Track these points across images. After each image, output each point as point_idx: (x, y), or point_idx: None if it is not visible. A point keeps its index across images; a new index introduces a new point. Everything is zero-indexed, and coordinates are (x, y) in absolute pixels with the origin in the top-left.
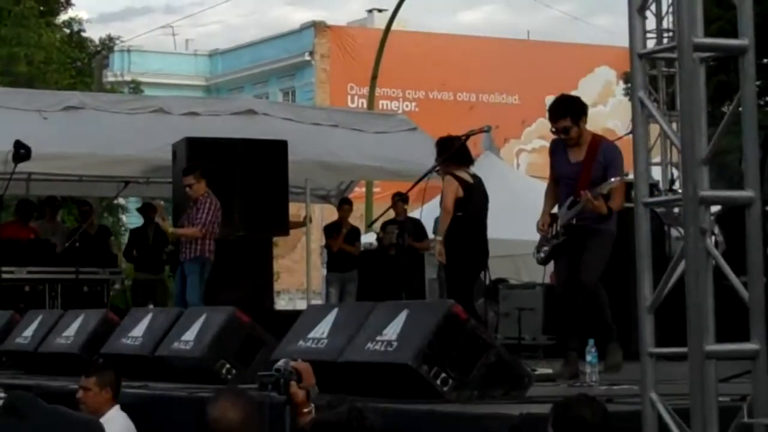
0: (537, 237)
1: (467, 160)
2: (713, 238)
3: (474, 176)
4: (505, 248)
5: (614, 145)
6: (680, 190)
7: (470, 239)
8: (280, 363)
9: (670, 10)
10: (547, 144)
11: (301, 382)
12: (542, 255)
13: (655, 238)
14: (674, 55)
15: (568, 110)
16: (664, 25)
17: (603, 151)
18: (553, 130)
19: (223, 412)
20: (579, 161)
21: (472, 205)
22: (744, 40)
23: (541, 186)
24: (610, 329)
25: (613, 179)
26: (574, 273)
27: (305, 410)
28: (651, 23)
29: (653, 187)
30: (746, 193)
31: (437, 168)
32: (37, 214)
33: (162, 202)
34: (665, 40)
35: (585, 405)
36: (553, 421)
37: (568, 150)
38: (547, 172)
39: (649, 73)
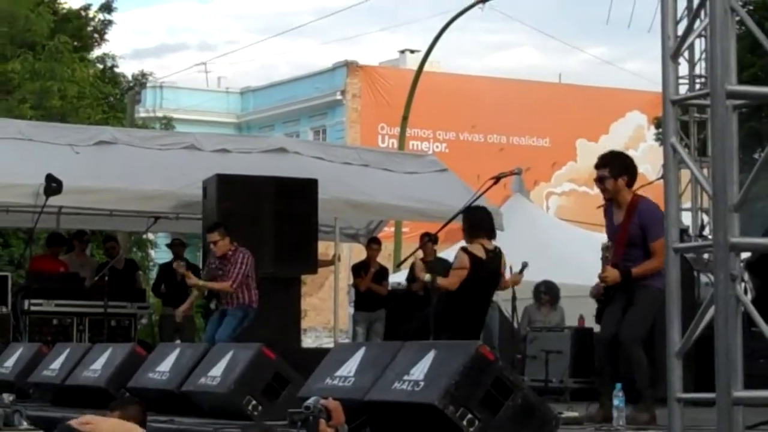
0: (566, 280)
1: (488, 231)
2: (743, 285)
3: (489, 251)
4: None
5: (652, 205)
6: (710, 236)
7: (463, 320)
8: (310, 401)
9: (703, 56)
10: (577, 188)
11: (331, 420)
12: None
13: (684, 284)
14: (707, 102)
15: (610, 162)
16: (697, 70)
17: (639, 212)
18: (596, 179)
19: None
20: (620, 223)
21: (476, 284)
22: None
23: (570, 229)
24: (639, 394)
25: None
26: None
27: None
28: (683, 69)
29: (683, 233)
30: None
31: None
32: (66, 247)
33: (183, 264)
34: (698, 86)
35: None
36: None
37: (614, 212)
38: (576, 216)
39: (681, 119)
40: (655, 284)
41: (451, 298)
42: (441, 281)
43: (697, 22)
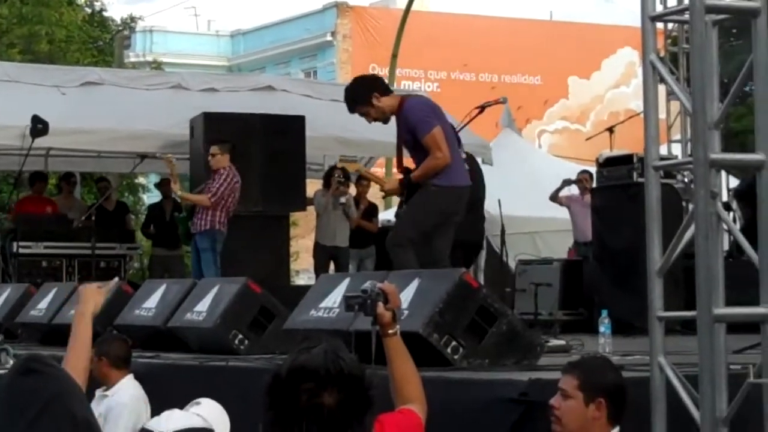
0: (556, 215)
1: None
2: (731, 213)
3: (467, 153)
4: (524, 225)
5: (416, 103)
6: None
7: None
8: (367, 284)
9: None
10: (570, 125)
11: (388, 303)
12: None
13: (672, 214)
14: (686, 18)
15: (353, 102)
16: None
17: (405, 114)
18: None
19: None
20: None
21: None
22: (756, 2)
23: (561, 164)
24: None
25: None
26: None
27: (390, 331)
28: None
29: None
30: (757, 156)
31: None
32: (57, 191)
33: (173, 158)
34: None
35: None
36: None
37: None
38: (568, 152)
39: (670, 50)
40: (433, 182)
41: None
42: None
43: None
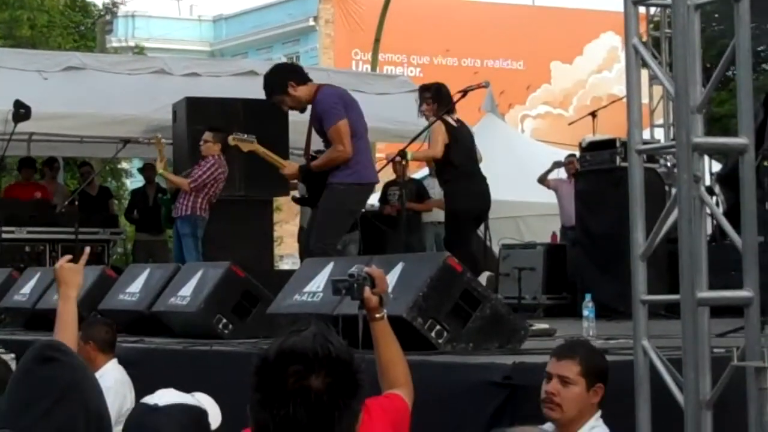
0: (539, 199)
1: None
2: (714, 198)
3: (458, 120)
4: (507, 209)
5: (328, 92)
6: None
7: (465, 187)
8: (354, 269)
9: None
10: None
11: (375, 287)
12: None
13: (655, 199)
14: (668, 1)
15: (270, 91)
16: None
17: (316, 103)
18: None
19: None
20: None
21: (459, 148)
22: None
23: (545, 150)
24: None
25: None
26: None
27: (377, 315)
28: None
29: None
30: (740, 140)
31: (428, 115)
32: (38, 176)
33: (162, 138)
34: None
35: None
36: None
37: None
38: (551, 137)
39: (653, 34)
40: (337, 180)
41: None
42: (423, 153)
43: None
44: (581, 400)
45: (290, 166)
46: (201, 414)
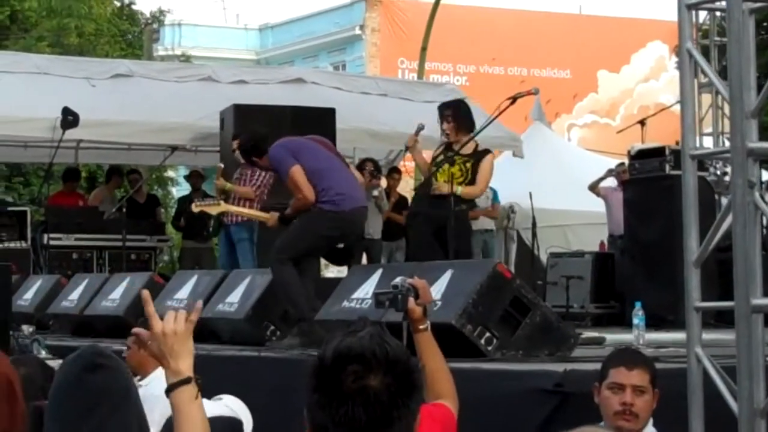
0: (587, 208)
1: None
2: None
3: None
4: (555, 218)
5: (273, 150)
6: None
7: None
8: (397, 280)
9: None
10: (599, 119)
11: (419, 298)
12: None
13: (705, 207)
14: (723, 5)
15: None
16: None
17: (270, 161)
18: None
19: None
20: None
21: None
22: None
23: (592, 158)
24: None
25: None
26: None
27: (421, 327)
28: None
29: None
30: None
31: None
32: (87, 184)
33: (222, 165)
34: None
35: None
36: None
37: None
38: (597, 146)
39: (701, 42)
40: (316, 207)
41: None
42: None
43: None
44: (651, 408)
45: (273, 218)
46: (239, 425)
